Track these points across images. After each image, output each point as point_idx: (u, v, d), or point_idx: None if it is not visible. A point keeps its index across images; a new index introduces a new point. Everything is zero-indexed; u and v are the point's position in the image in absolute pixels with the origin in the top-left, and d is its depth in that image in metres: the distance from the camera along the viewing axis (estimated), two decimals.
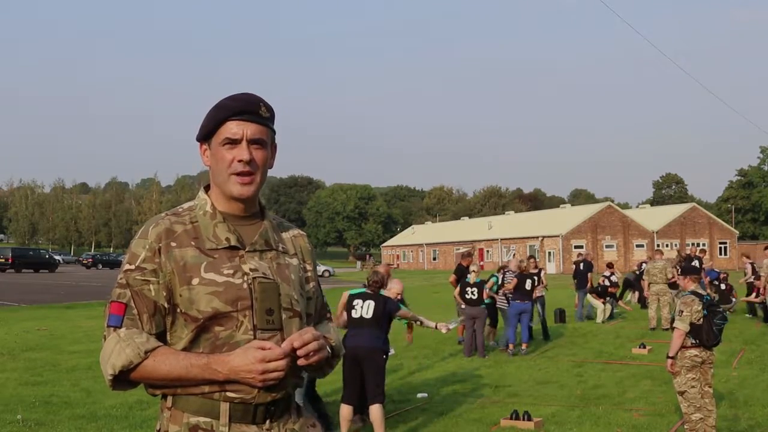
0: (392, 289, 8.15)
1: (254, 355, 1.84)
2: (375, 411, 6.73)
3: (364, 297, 7.17)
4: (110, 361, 1.87)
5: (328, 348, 2.02)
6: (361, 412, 7.29)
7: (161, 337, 1.94)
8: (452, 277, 14.56)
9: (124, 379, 1.90)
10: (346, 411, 6.89)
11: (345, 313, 7.21)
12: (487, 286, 13.30)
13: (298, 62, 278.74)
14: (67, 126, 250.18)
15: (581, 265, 18.43)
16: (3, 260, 48.69)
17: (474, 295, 12.56)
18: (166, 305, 1.93)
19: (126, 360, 1.85)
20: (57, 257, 60.41)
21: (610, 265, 19.37)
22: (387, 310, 7.13)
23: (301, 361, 1.91)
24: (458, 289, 13.20)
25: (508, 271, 13.60)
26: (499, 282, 13.52)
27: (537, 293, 15.11)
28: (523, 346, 12.89)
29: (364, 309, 7.05)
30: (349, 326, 7.06)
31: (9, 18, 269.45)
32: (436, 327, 8.62)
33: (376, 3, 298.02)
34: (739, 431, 7.34)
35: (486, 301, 12.89)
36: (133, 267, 1.94)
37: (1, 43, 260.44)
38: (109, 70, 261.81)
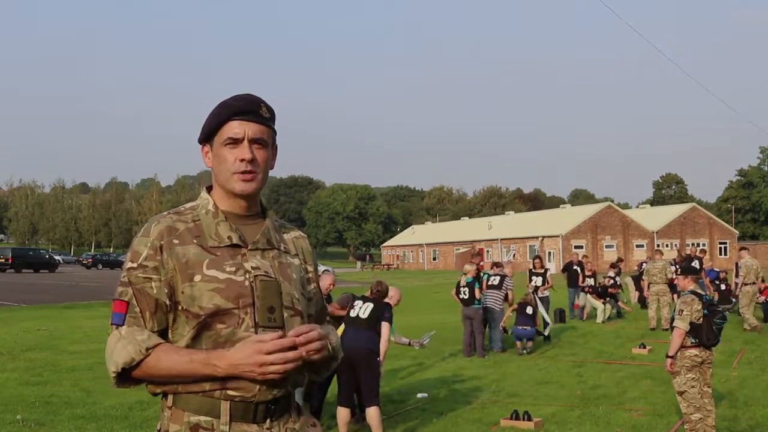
0: (392, 297, 8.09)
1: (252, 348, 1.85)
2: (372, 413, 6.69)
3: (364, 299, 7.19)
4: (113, 358, 1.89)
5: (329, 348, 2.03)
6: (359, 412, 7.28)
7: (163, 334, 1.95)
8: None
9: (127, 376, 1.91)
10: (343, 414, 6.85)
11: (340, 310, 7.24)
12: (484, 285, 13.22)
13: (298, 62, 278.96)
14: (67, 126, 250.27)
15: (575, 266, 18.58)
16: (3, 260, 48.64)
17: (466, 295, 12.54)
18: (168, 302, 1.94)
19: (128, 357, 1.87)
20: (57, 257, 60.30)
21: (613, 265, 19.43)
22: (382, 317, 7.09)
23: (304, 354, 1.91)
24: (454, 288, 13.12)
25: (494, 275, 13.51)
26: (482, 283, 13.10)
27: (543, 293, 15.15)
28: (528, 344, 12.92)
29: (362, 310, 7.04)
30: (345, 325, 7.04)
31: (9, 18, 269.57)
32: (409, 344, 8.62)
33: (376, 3, 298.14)
34: (739, 431, 7.34)
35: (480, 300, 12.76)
36: (135, 265, 1.95)
37: (1, 43, 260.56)
38: (109, 70, 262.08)
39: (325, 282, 7.93)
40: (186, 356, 1.88)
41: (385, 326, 7.11)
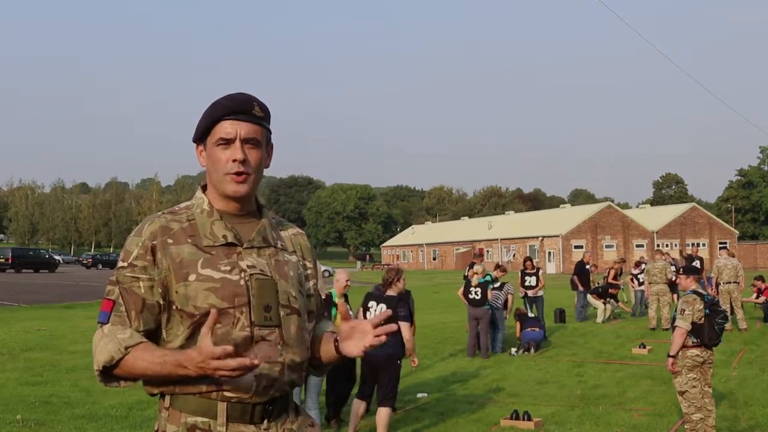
0: (339, 282, 7.44)
1: (203, 354, 1.73)
2: (382, 413, 6.68)
3: (378, 299, 6.94)
4: (95, 357, 1.90)
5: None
6: (365, 410, 7.28)
7: (152, 334, 1.94)
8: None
9: (110, 375, 1.91)
10: (359, 406, 6.88)
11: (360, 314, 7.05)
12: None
13: (298, 62, 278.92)
14: (67, 126, 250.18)
15: (583, 266, 18.59)
16: (3, 260, 48.62)
17: (477, 295, 12.47)
18: (161, 302, 1.93)
19: (108, 356, 1.87)
20: (57, 257, 60.20)
21: (638, 264, 19.96)
22: (398, 316, 6.78)
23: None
24: (462, 288, 13.08)
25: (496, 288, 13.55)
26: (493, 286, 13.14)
27: (536, 293, 15.24)
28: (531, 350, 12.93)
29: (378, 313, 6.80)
30: None
31: (9, 18, 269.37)
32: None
33: (375, 3, 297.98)
34: (739, 431, 7.33)
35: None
36: (125, 264, 1.95)
37: (1, 43, 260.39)
38: (109, 70, 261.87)
39: (342, 280, 7.42)
40: (160, 357, 1.85)
41: (404, 326, 6.93)
